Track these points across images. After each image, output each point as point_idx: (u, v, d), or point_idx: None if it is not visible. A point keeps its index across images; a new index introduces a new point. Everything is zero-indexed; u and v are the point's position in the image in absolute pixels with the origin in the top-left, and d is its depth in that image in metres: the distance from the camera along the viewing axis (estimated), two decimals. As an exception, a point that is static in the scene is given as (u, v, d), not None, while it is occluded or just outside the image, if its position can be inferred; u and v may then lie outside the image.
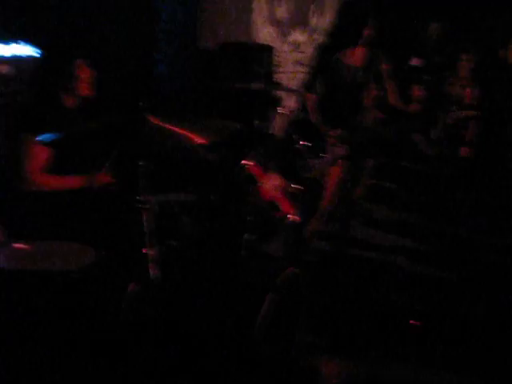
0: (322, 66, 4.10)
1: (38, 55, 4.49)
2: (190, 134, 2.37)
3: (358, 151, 4.12)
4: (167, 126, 2.39)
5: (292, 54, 6.87)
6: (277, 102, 3.69)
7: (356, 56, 4.08)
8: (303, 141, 3.35)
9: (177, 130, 2.38)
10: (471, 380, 3.37)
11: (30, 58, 4.45)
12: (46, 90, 3.18)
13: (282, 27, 6.58)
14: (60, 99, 3.14)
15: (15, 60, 4.40)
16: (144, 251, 2.52)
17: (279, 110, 3.40)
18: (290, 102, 6.56)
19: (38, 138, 2.35)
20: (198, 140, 2.34)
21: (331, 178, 4.10)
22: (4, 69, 4.33)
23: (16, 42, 4.46)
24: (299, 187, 3.25)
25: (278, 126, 6.36)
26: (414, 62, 7.88)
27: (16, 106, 4.24)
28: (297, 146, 3.34)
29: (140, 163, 2.46)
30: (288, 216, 3.13)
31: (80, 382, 2.45)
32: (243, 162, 2.98)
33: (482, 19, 8.46)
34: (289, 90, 4.13)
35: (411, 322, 3.77)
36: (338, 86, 4.09)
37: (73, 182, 3.02)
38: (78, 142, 2.44)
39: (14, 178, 2.95)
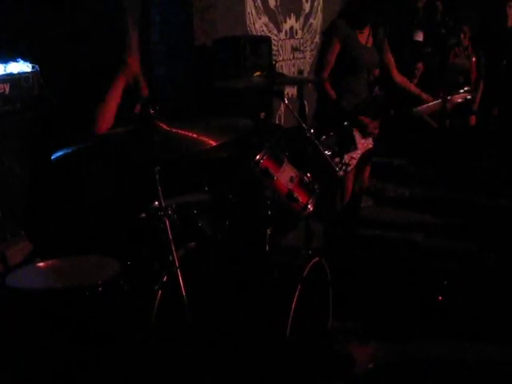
0: (332, 49, 3.98)
1: (34, 71, 4.49)
2: (201, 137, 2.36)
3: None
4: (179, 130, 2.37)
5: (289, 41, 6.85)
6: (280, 91, 3.63)
7: (366, 35, 4.02)
8: (325, 133, 3.32)
9: (188, 133, 2.36)
10: (506, 352, 3.35)
11: (25, 75, 4.44)
12: None
13: (277, 16, 6.54)
14: None
15: (10, 78, 4.39)
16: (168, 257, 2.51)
17: (285, 99, 3.37)
18: (292, 90, 6.55)
19: (52, 156, 2.35)
20: (211, 142, 2.32)
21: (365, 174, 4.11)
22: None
23: (15, 61, 4.46)
24: (314, 177, 3.23)
25: (284, 116, 6.36)
26: (418, 36, 7.85)
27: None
28: (307, 134, 3.31)
29: (155, 169, 2.46)
30: (307, 206, 3.12)
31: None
32: (257, 157, 2.96)
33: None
34: (303, 82, 4.04)
35: (440, 298, 3.76)
36: (353, 67, 4.01)
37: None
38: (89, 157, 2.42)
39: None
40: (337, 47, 3.99)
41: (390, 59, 4.21)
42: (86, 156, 2.38)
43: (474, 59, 6.75)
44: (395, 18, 7.25)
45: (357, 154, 3.99)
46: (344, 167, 3.89)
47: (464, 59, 6.79)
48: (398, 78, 4.29)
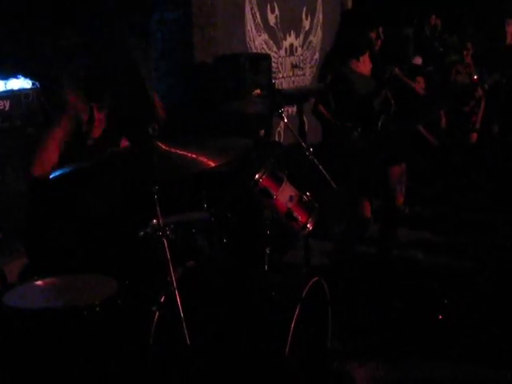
0: (332, 78, 4.02)
1: (34, 87, 4.50)
2: (200, 158, 2.34)
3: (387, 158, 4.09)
4: (177, 151, 2.36)
5: (289, 58, 6.87)
6: (278, 108, 3.61)
7: (365, 65, 4.04)
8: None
9: (187, 154, 2.35)
10: (506, 374, 3.33)
11: (25, 92, 4.46)
12: None
13: (277, 33, 6.57)
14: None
15: (10, 95, 4.40)
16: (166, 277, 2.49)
17: (283, 115, 3.37)
18: (291, 108, 6.55)
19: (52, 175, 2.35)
20: (210, 163, 2.31)
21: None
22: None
23: (15, 77, 4.47)
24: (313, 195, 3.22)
25: (284, 132, 6.36)
26: (416, 60, 7.91)
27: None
28: (307, 152, 3.31)
29: (153, 189, 2.45)
30: (306, 225, 3.11)
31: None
32: (256, 176, 2.95)
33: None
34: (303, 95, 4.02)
35: (441, 317, 3.74)
36: (352, 97, 4.02)
37: None
38: (88, 176, 2.42)
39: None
40: (329, 78, 4.07)
41: (410, 83, 4.25)
42: (83, 176, 2.37)
43: (475, 77, 6.78)
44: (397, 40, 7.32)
45: None
46: None
47: (465, 76, 6.82)
48: (421, 92, 4.31)
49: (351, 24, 3.99)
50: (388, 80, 4.05)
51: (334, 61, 4.09)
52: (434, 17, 8.56)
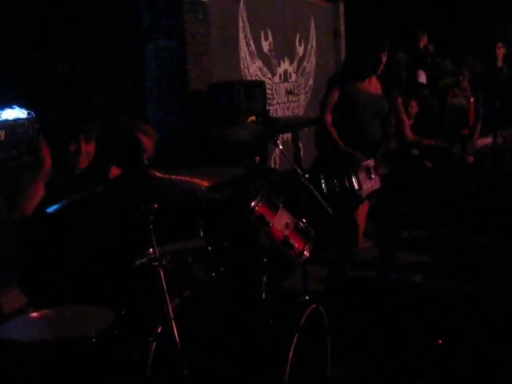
0: (331, 95, 4.15)
1: (29, 117, 4.51)
2: (193, 180, 2.36)
3: (392, 182, 4.12)
4: (171, 176, 2.37)
5: (283, 84, 6.91)
6: (273, 136, 3.61)
7: (374, 85, 4.16)
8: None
9: (180, 178, 2.36)
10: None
11: (20, 122, 4.47)
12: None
13: (271, 59, 6.61)
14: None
15: (5, 125, 4.41)
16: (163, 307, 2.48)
17: (279, 142, 3.37)
18: (286, 134, 6.56)
19: (48, 210, 2.34)
20: (202, 183, 2.32)
21: (362, 215, 4.10)
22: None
23: (10, 107, 4.48)
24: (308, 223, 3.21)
25: (279, 159, 6.37)
26: (421, 78, 7.98)
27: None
28: (302, 178, 3.30)
29: (149, 218, 2.44)
30: (303, 252, 3.10)
31: None
32: (252, 203, 2.94)
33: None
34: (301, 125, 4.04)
35: (440, 341, 3.71)
36: (353, 110, 4.13)
37: None
38: (83, 208, 2.41)
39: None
40: (336, 93, 4.25)
41: (404, 120, 4.34)
42: (79, 207, 2.36)
43: (472, 100, 6.84)
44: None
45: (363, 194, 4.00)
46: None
47: (462, 99, 6.87)
48: (410, 136, 4.41)
49: (361, 49, 4.12)
50: (392, 106, 4.16)
51: (339, 81, 4.20)
52: (424, 37, 8.62)
